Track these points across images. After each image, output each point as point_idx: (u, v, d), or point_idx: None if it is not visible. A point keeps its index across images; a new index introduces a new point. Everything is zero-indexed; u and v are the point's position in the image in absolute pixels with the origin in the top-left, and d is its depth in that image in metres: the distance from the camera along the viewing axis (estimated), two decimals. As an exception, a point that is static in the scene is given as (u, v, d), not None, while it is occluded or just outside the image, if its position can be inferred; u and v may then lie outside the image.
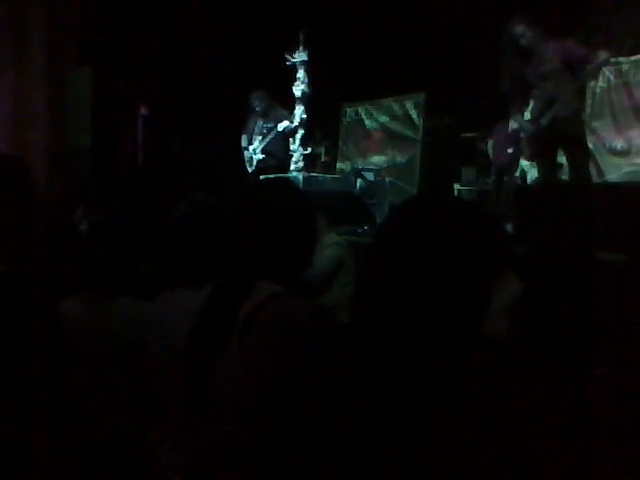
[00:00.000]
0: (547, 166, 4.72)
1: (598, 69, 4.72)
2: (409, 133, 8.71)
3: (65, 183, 6.80)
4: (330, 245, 3.74)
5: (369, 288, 1.00)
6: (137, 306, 1.74)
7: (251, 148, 7.04)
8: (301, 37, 6.26)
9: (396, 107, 8.88)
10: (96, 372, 1.74)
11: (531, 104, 4.97)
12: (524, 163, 6.65)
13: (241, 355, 1.21)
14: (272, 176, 6.52)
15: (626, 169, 6.37)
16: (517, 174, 6.75)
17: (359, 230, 4.93)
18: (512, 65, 4.60)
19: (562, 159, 6.83)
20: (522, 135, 4.93)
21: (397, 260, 0.94)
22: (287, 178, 1.67)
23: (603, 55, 4.33)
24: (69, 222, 2.95)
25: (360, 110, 9.40)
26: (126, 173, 7.26)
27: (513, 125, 6.23)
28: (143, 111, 8.06)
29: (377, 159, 9.00)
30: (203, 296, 1.35)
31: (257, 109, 6.90)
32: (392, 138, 8.94)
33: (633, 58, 6.45)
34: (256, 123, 7.00)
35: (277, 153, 6.90)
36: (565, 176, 6.81)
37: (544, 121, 4.52)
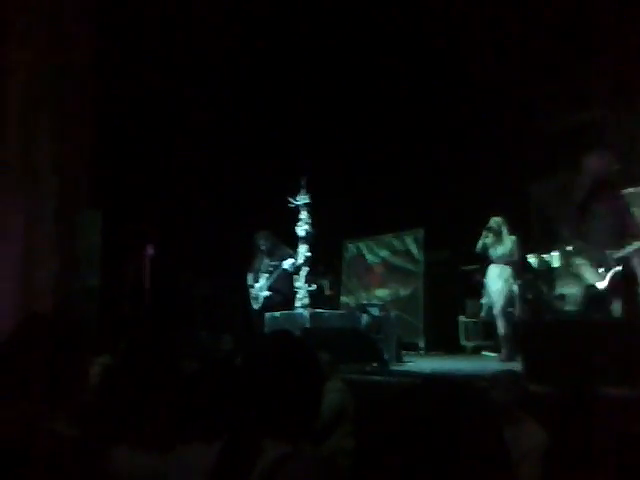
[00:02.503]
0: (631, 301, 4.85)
1: None
2: (410, 267, 8.86)
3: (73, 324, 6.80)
4: (333, 392, 3.66)
5: (372, 447, 1.00)
6: (153, 459, 1.71)
7: (257, 286, 7.14)
8: (302, 181, 6.56)
9: (396, 242, 9.11)
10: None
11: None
12: None
13: None
14: (276, 312, 6.56)
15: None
16: None
17: (367, 368, 4.88)
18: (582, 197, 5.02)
19: (566, 289, 6.94)
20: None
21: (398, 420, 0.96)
22: (290, 332, 1.70)
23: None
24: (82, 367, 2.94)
25: (361, 245, 9.63)
26: (133, 313, 7.30)
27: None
28: (149, 251, 8.23)
29: (380, 292, 9.09)
30: (213, 455, 1.34)
31: (263, 248, 7.10)
32: (394, 272, 9.09)
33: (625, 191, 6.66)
34: (262, 261, 7.16)
35: (283, 290, 7.00)
36: (569, 306, 6.87)
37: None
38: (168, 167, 8.75)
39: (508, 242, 6.65)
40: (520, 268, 6.87)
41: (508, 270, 6.66)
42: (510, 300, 6.65)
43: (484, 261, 6.89)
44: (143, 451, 1.82)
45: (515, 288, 6.69)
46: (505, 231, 6.68)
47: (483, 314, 7.00)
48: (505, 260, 6.64)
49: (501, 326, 6.50)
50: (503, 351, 6.42)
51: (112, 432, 1.93)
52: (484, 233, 6.69)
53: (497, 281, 6.64)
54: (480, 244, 6.72)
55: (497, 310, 6.54)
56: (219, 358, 2.45)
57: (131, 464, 1.74)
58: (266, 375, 1.40)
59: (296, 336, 1.65)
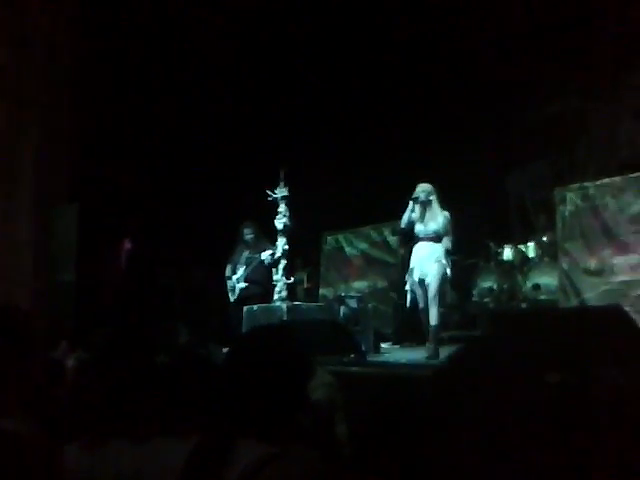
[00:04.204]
0: None
1: None
2: (388, 258, 8.90)
3: (48, 318, 6.77)
4: (320, 386, 3.65)
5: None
6: (130, 452, 1.70)
7: (234, 277, 7.15)
8: (281, 174, 6.55)
9: (374, 234, 9.14)
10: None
11: None
12: None
13: None
14: (254, 305, 6.56)
15: (602, 287, 6.49)
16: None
17: (345, 359, 4.91)
18: None
19: (541, 279, 7.03)
20: None
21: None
22: (279, 327, 1.70)
23: None
24: (57, 362, 2.94)
25: (340, 238, 9.65)
26: (110, 308, 7.26)
27: None
28: (127, 245, 8.18)
29: (359, 284, 9.11)
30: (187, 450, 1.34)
31: (247, 238, 7.10)
32: (372, 264, 9.12)
33: (598, 182, 6.77)
34: (242, 254, 7.16)
35: (260, 281, 7.01)
36: (544, 296, 6.97)
37: None
38: (146, 160, 8.70)
39: (440, 216, 5.65)
40: (451, 248, 5.83)
41: (440, 249, 5.66)
42: (443, 283, 5.68)
43: (410, 239, 6.09)
44: (114, 446, 1.82)
45: (448, 271, 5.70)
46: (435, 202, 5.68)
47: (408, 303, 5.83)
48: (436, 237, 5.65)
49: (433, 316, 5.52)
50: (431, 346, 5.48)
51: (81, 427, 1.92)
52: (410, 205, 5.70)
53: (428, 262, 5.61)
54: (405, 218, 5.74)
55: (431, 296, 5.53)
56: (186, 351, 2.44)
57: (100, 460, 1.74)
58: (250, 373, 1.39)
59: (282, 332, 1.63)
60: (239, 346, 1.52)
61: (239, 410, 1.35)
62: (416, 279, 5.69)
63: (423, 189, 5.70)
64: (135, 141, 8.63)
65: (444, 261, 5.64)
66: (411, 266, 5.81)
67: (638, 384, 2.65)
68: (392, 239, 8.84)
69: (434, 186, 5.76)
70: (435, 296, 5.56)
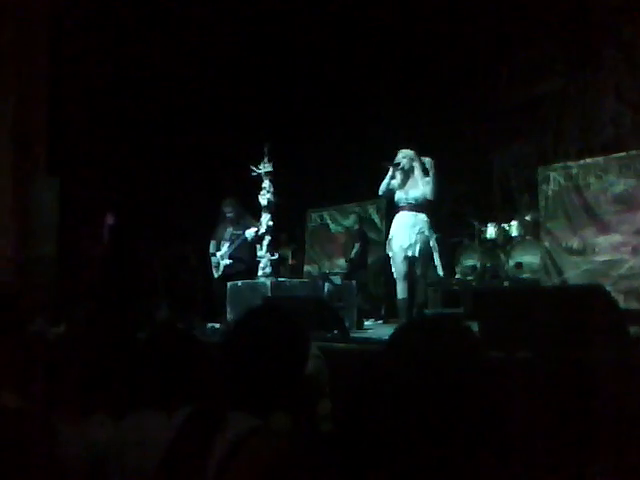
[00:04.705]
0: None
1: None
2: (373, 236, 8.90)
3: (29, 293, 6.71)
4: (309, 358, 3.65)
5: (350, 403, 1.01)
6: (110, 427, 1.70)
7: (219, 254, 7.12)
8: (265, 149, 6.48)
9: (359, 211, 9.14)
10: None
11: None
12: None
13: None
14: (238, 281, 6.55)
15: (584, 267, 6.56)
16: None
17: (329, 335, 4.93)
18: None
19: (523, 258, 7.09)
20: None
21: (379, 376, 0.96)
22: (278, 306, 1.70)
23: None
24: (38, 336, 2.91)
25: (325, 215, 9.65)
26: (91, 283, 7.21)
27: None
28: (109, 220, 8.10)
29: (343, 261, 9.13)
30: (173, 425, 1.34)
31: (229, 215, 7.06)
32: (357, 241, 9.12)
33: (581, 162, 6.80)
34: (226, 230, 7.13)
35: (244, 258, 7.00)
36: (526, 275, 7.03)
37: None
38: (129, 133, 8.59)
39: (421, 182, 5.30)
40: (434, 215, 5.55)
41: (423, 218, 5.33)
42: (427, 258, 5.37)
43: (392, 208, 5.80)
44: (95, 420, 1.82)
45: (433, 243, 5.37)
46: (418, 169, 5.33)
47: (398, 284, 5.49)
48: (417, 206, 5.33)
49: (418, 293, 5.32)
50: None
51: (66, 402, 1.92)
52: (391, 170, 5.38)
53: (409, 234, 5.28)
54: (384, 185, 5.42)
55: (417, 273, 5.32)
56: (167, 326, 2.43)
57: (85, 434, 1.74)
58: (250, 350, 1.40)
59: (284, 310, 1.64)
60: (240, 323, 1.52)
61: (236, 385, 1.37)
62: (396, 250, 5.38)
63: (405, 154, 5.41)
64: (119, 115, 8.51)
65: (427, 232, 5.34)
66: (390, 236, 5.51)
67: (616, 363, 2.68)
68: (377, 216, 8.84)
69: (416, 152, 5.44)
70: (420, 273, 5.37)
